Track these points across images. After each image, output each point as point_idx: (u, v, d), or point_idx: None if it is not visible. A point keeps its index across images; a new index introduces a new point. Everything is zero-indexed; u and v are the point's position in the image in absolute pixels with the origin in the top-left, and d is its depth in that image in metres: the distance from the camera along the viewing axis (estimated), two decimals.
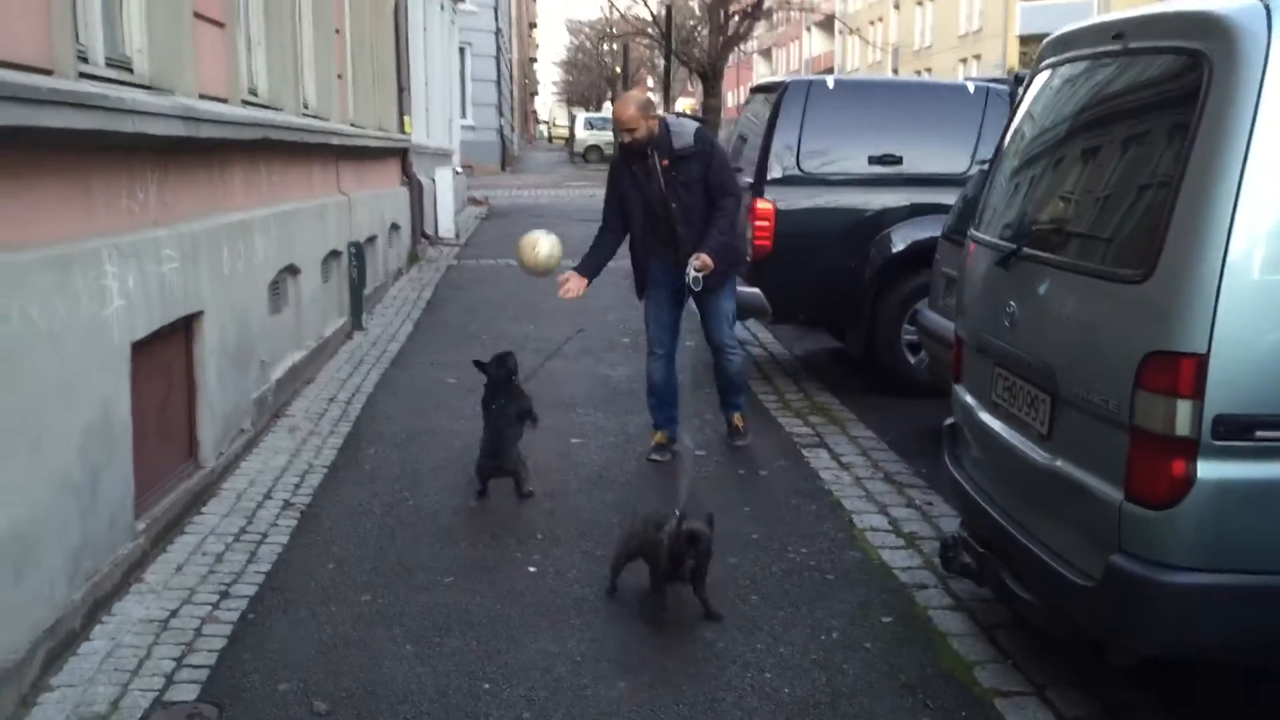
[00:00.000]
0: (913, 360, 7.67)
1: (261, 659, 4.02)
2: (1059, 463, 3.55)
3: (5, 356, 3.59)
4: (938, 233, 6.75)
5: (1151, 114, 3.44)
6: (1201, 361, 2.98)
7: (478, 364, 5.75)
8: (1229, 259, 2.97)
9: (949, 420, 4.62)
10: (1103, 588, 3.24)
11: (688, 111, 54.73)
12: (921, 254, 7.17)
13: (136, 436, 4.71)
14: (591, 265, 6.18)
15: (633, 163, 6.01)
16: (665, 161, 5.90)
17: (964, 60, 47.68)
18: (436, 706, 3.69)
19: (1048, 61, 4.19)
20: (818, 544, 5.06)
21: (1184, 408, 3.02)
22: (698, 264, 5.77)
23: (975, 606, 4.36)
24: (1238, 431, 3.00)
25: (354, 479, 6.01)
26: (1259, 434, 3.01)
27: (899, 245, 7.59)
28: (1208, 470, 3.03)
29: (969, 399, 4.35)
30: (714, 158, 5.99)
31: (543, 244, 5.88)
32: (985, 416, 4.15)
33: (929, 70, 49.67)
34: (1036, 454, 3.69)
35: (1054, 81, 4.11)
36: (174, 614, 4.33)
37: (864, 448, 6.51)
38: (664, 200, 5.94)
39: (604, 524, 5.25)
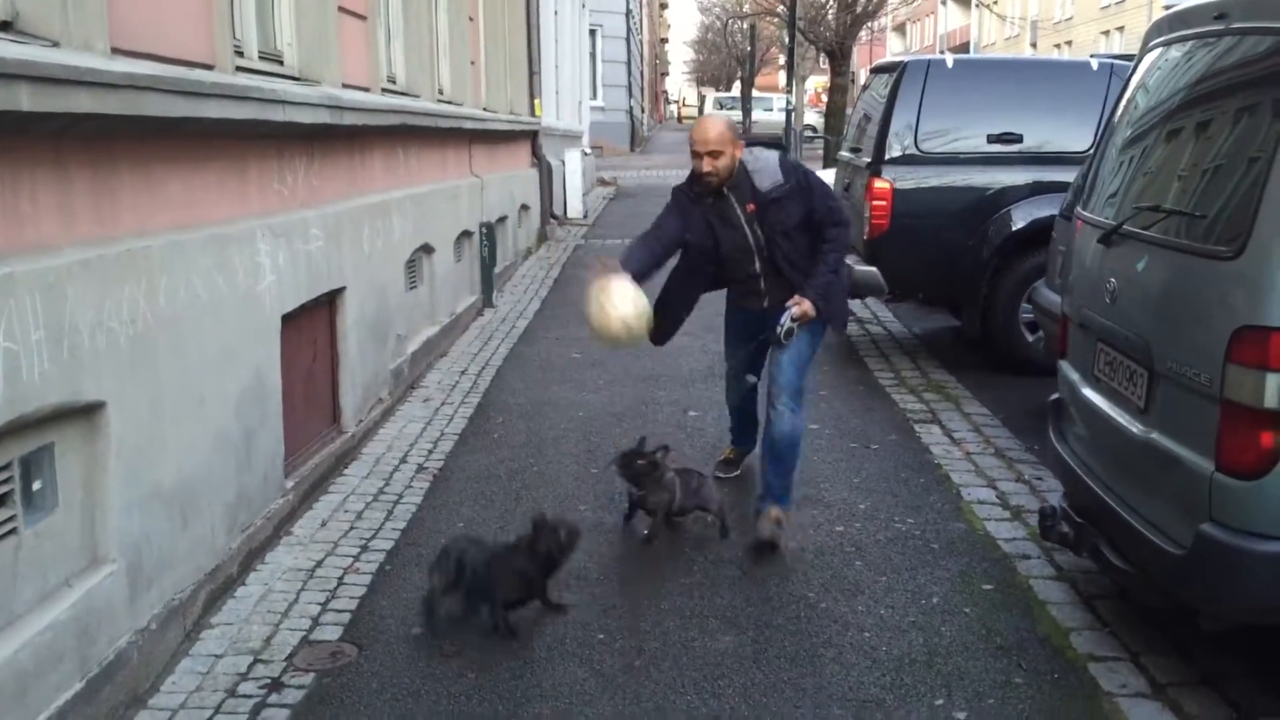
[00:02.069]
0: (1030, 339, 7.68)
1: (397, 606, 4.38)
2: (1154, 435, 3.65)
3: (174, 326, 4.00)
4: (1056, 211, 6.76)
5: (1249, 94, 3.49)
6: None
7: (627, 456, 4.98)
8: None
9: (1054, 395, 4.71)
10: (1193, 555, 3.34)
11: (817, 90, 54.13)
12: (1040, 233, 7.18)
13: (285, 401, 5.13)
14: (638, 262, 4.87)
15: (703, 204, 4.90)
16: (752, 206, 4.82)
17: (1105, 33, 46.13)
18: (554, 653, 3.97)
19: (1156, 41, 4.24)
20: (924, 515, 5.20)
21: (1273, 381, 3.10)
22: (796, 311, 4.76)
23: (1076, 577, 4.46)
24: None
25: (482, 446, 6.36)
26: None
27: (1018, 223, 7.61)
28: None
29: (1073, 374, 4.45)
30: (813, 190, 4.85)
31: (623, 303, 4.67)
32: (1087, 391, 4.24)
33: (1069, 44, 48.20)
34: (1134, 427, 3.79)
35: (1160, 61, 4.17)
36: (319, 564, 4.73)
37: (976, 424, 6.59)
38: (755, 251, 4.91)
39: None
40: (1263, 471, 3.14)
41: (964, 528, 5.05)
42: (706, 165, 4.73)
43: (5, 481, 3.08)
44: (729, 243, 4.92)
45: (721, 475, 5.62)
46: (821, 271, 4.83)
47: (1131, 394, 3.84)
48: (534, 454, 6.19)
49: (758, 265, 4.93)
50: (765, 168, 4.79)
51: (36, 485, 3.20)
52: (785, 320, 4.75)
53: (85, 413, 3.43)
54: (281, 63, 5.64)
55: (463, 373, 7.98)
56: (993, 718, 3.52)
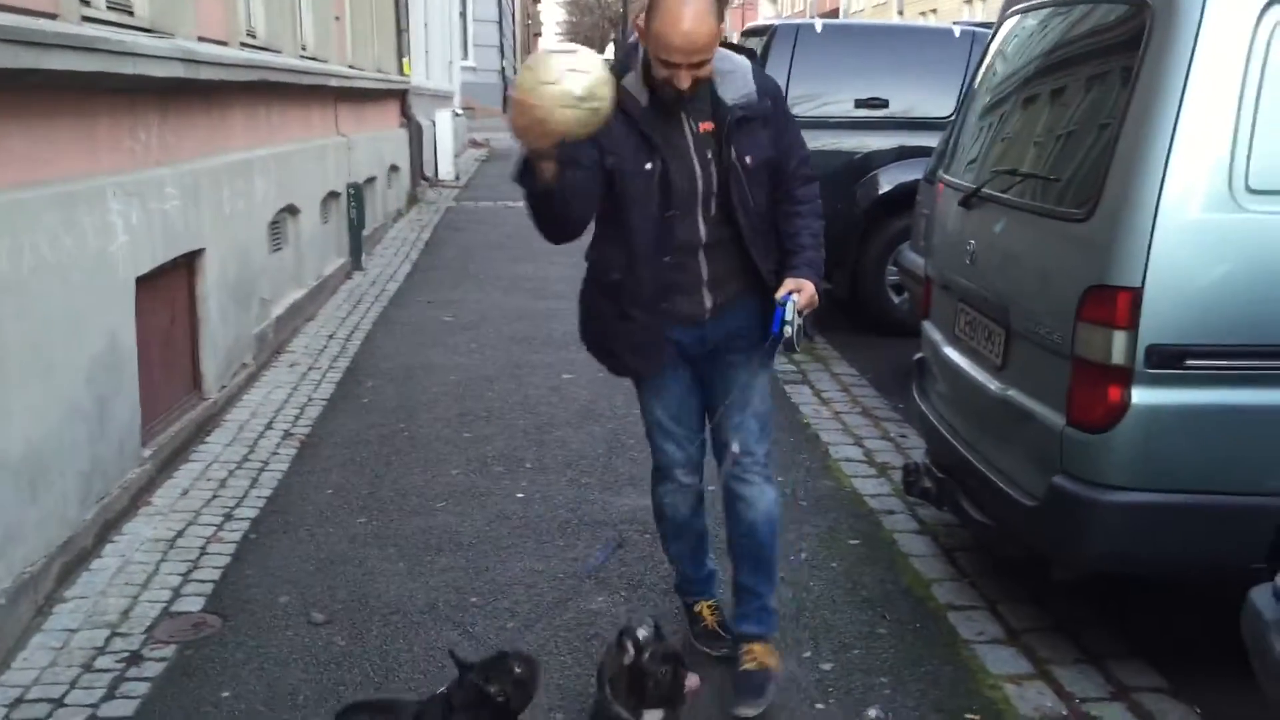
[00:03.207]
0: (896, 300, 7.87)
1: (263, 575, 4.28)
2: (1010, 392, 3.77)
3: (17, 289, 3.80)
4: (920, 175, 6.92)
5: (1099, 60, 3.61)
6: (1136, 295, 3.19)
7: (455, 658, 2.92)
8: (1164, 198, 3.16)
9: (918, 355, 4.83)
10: (1045, 507, 3.47)
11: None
12: (906, 196, 7.34)
13: (142, 368, 4.94)
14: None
15: (643, 118, 3.09)
16: (708, 125, 3.14)
17: (969, 1, 47.28)
18: (426, 617, 3.94)
19: (1014, 9, 4.35)
20: (793, 473, 5.29)
21: (1119, 338, 3.23)
22: (801, 299, 3.10)
23: (938, 530, 4.60)
24: (1169, 360, 3.21)
25: (352, 411, 6.24)
26: (1189, 362, 3.22)
27: (884, 187, 7.77)
28: (1141, 396, 3.24)
29: (935, 334, 4.57)
30: (789, 123, 3.33)
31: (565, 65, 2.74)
32: (948, 350, 4.36)
33: (934, 11, 49.25)
34: (991, 384, 3.91)
35: (1018, 29, 4.28)
36: (180, 534, 4.59)
37: (845, 384, 6.74)
38: (701, 199, 3.17)
39: (590, 455, 5.50)
40: (1110, 425, 3.28)
41: (832, 485, 5.16)
42: (685, 80, 2.98)
43: None
44: (680, 185, 3.13)
45: (711, 651, 3.63)
46: (808, 243, 3.25)
47: (989, 352, 3.96)
48: (405, 418, 6.11)
49: (702, 229, 3.19)
50: (735, 71, 3.16)
51: None
52: (788, 314, 3.06)
53: None
54: (132, 13, 5.39)
55: (331, 337, 7.81)
56: (857, 667, 3.61)
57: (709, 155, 3.15)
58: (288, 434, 5.83)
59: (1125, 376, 3.24)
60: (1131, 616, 3.84)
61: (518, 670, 2.84)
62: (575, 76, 2.70)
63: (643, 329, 3.28)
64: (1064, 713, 3.33)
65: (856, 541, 4.55)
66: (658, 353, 3.32)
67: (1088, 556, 3.46)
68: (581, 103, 2.70)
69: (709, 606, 3.73)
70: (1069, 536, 3.44)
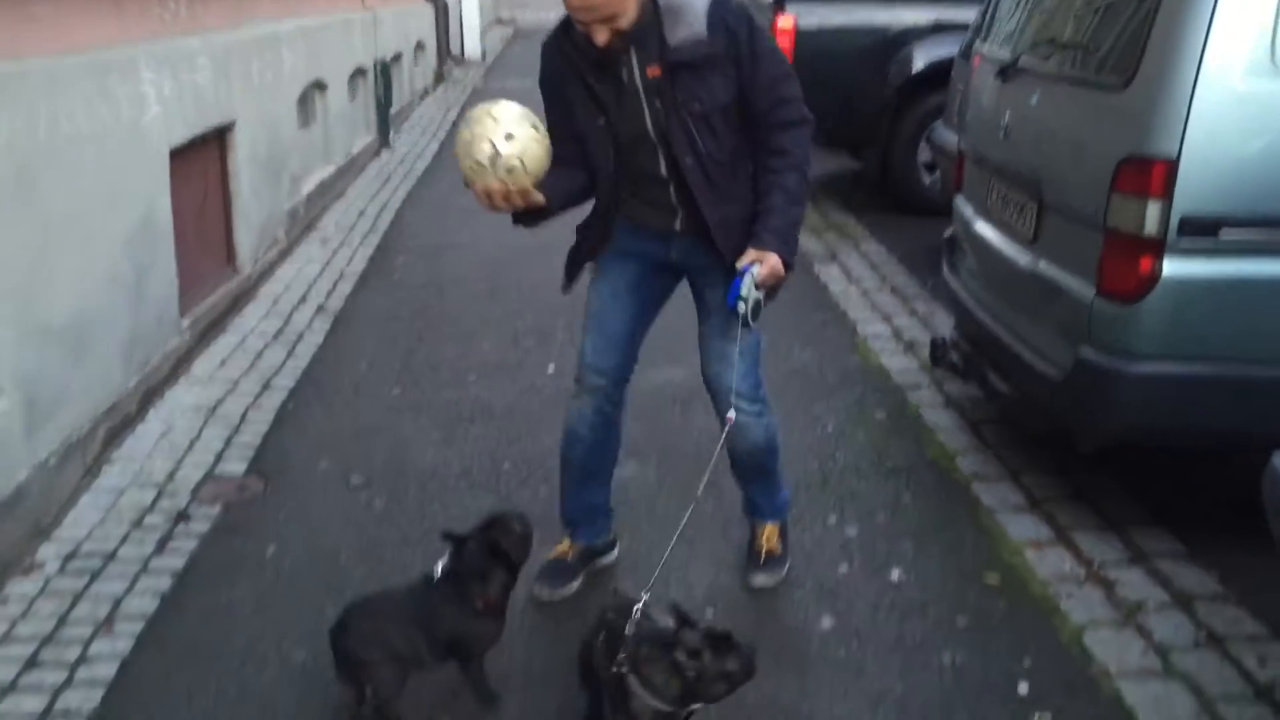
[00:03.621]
0: (928, 180, 7.80)
1: (302, 441, 4.39)
2: (1041, 265, 3.78)
3: (55, 158, 3.84)
4: (956, 51, 6.79)
5: None
6: (1171, 165, 3.17)
7: (447, 536, 2.85)
8: (1204, 67, 3.12)
9: (949, 231, 4.83)
10: (1072, 378, 3.51)
11: None
12: (940, 73, 7.21)
13: (178, 240, 5.00)
14: (549, 186, 2.94)
15: (589, 71, 2.97)
16: (655, 70, 2.93)
17: None
18: (462, 482, 4.05)
19: None
20: (821, 349, 5.34)
21: (1153, 208, 3.22)
22: (761, 271, 2.94)
23: (964, 404, 4.65)
24: (1202, 231, 3.21)
25: (383, 287, 6.32)
26: (1222, 233, 3.21)
27: (918, 64, 7.62)
28: (1172, 267, 3.24)
29: (967, 210, 4.55)
30: (758, 59, 2.95)
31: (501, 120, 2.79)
32: (980, 225, 4.36)
33: None
34: (1022, 258, 3.91)
35: None
36: (220, 402, 4.70)
37: (874, 263, 6.73)
38: (656, 144, 3.01)
39: None
40: (1141, 296, 3.29)
41: (859, 361, 5.21)
42: (601, 35, 2.84)
43: None
44: (626, 130, 3.01)
45: (544, 593, 3.37)
46: (778, 205, 2.98)
47: (1021, 226, 3.95)
48: (436, 294, 6.17)
49: (663, 168, 3.04)
50: (684, 8, 2.91)
51: None
52: (744, 288, 2.92)
53: None
54: None
55: (361, 214, 7.84)
56: (881, 533, 3.70)
57: (657, 103, 2.96)
58: (321, 308, 5.91)
59: (1158, 247, 3.24)
60: (1152, 485, 3.90)
61: (518, 528, 2.87)
62: (481, 146, 2.74)
63: (603, 224, 3.23)
64: (1082, 575, 3.41)
65: (882, 415, 4.61)
66: (608, 237, 3.24)
67: (1112, 427, 3.51)
68: (494, 168, 2.75)
69: (566, 545, 3.48)
70: (1094, 408, 3.48)
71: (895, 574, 3.46)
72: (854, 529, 3.73)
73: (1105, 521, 3.72)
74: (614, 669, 2.40)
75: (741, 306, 2.92)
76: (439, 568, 2.80)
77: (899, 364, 5.15)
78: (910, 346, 5.34)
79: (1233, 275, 3.26)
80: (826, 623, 3.23)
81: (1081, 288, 3.50)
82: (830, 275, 6.49)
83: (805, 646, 3.12)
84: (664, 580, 3.23)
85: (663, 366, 5.03)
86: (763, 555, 3.45)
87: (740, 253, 2.98)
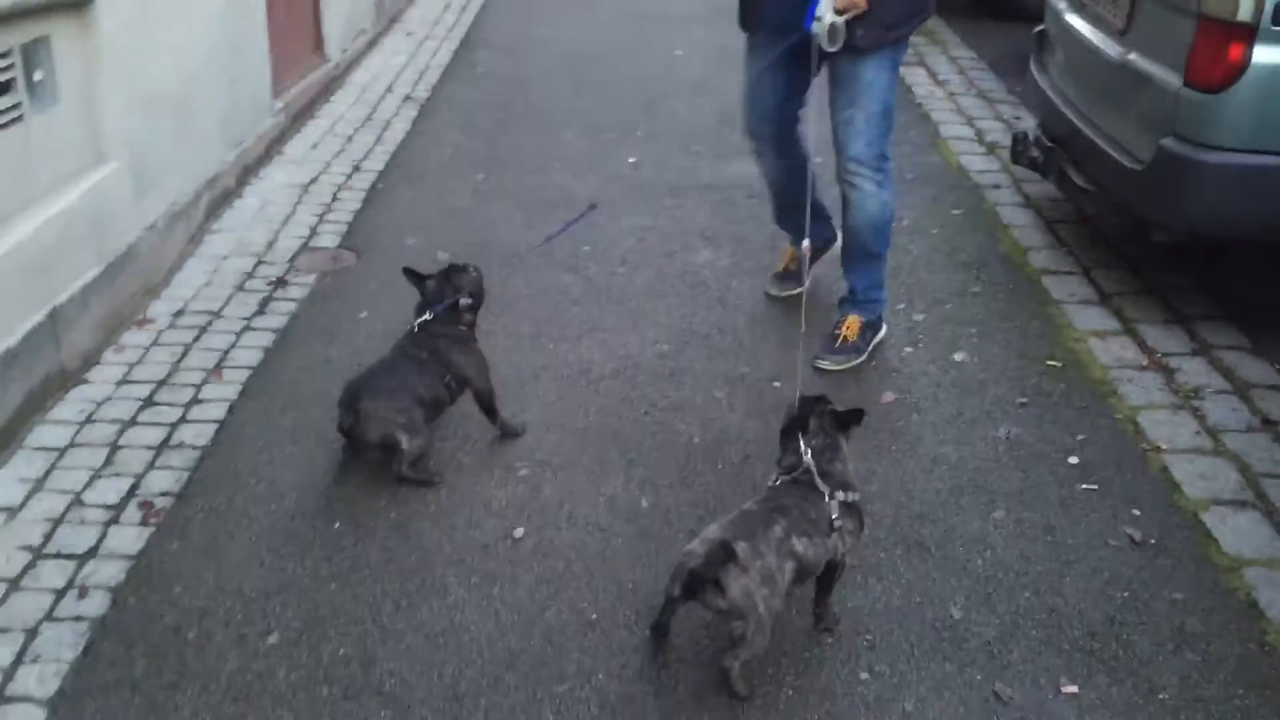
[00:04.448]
0: None
1: (391, 219, 4.57)
2: (1130, 56, 3.72)
3: None
4: None
5: None
6: None
7: (410, 274, 3.18)
8: None
9: (1039, 27, 4.73)
10: (1152, 169, 3.51)
11: None
12: None
13: (270, 24, 5.09)
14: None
15: None
16: None
17: None
18: (542, 261, 4.19)
19: None
20: (901, 149, 5.25)
21: None
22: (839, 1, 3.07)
23: (1042, 204, 4.66)
24: None
25: (468, 79, 6.37)
26: None
27: None
28: (1262, 55, 3.20)
29: (1060, 3, 4.45)
30: None
31: None
32: (1071, 18, 4.27)
33: None
34: (1112, 49, 3.86)
35: None
36: (313, 181, 4.88)
37: (962, 67, 6.60)
38: None
39: (700, 126, 5.59)
40: (1228, 84, 3.26)
41: (939, 161, 5.20)
42: None
43: (8, 69, 3.14)
44: None
45: (775, 292, 3.92)
46: None
47: (1114, 16, 3.88)
48: (520, 88, 6.22)
49: None
50: None
51: (38, 76, 3.27)
52: (820, 8, 3.04)
53: (76, 7, 3.44)
54: None
55: (445, 8, 7.83)
56: (949, 319, 3.80)
57: None
58: (408, 97, 6.00)
59: (1249, 34, 3.19)
60: (1223, 284, 3.92)
61: (474, 273, 3.17)
62: None
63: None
64: (1144, 363, 3.49)
65: (959, 212, 4.64)
66: (755, 10, 3.42)
67: (1190, 218, 3.52)
68: None
69: (790, 251, 3.95)
70: (1173, 198, 3.49)
71: (959, 356, 3.56)
72: (921, 315, 3.83)
73: (1173, 315, 3.78)
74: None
75: (816, 27, 3.02)
76: (416, 324, 3.06)
77: (979, 164, 5.13)
78: (992, 148, 5.31)
79: None
80: (889, 396, 3.37)
81: (1169, 77, 3.46)
82: (916, 78, 6.38)
83: (867, 419, 3.25)
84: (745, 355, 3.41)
85: (736, 161, 5.10)
86: (838, 341, 3.54)
87: None
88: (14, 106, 3.18)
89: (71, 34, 3.44)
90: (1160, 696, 2.29)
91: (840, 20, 3.04)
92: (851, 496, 2.40)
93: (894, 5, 3.14)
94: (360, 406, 2.88)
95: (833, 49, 3.10)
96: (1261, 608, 2.52)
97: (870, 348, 3.56)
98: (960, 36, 7.19)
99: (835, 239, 3.86)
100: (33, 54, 3.26)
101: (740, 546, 2.18)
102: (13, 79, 3.17)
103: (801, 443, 2.40)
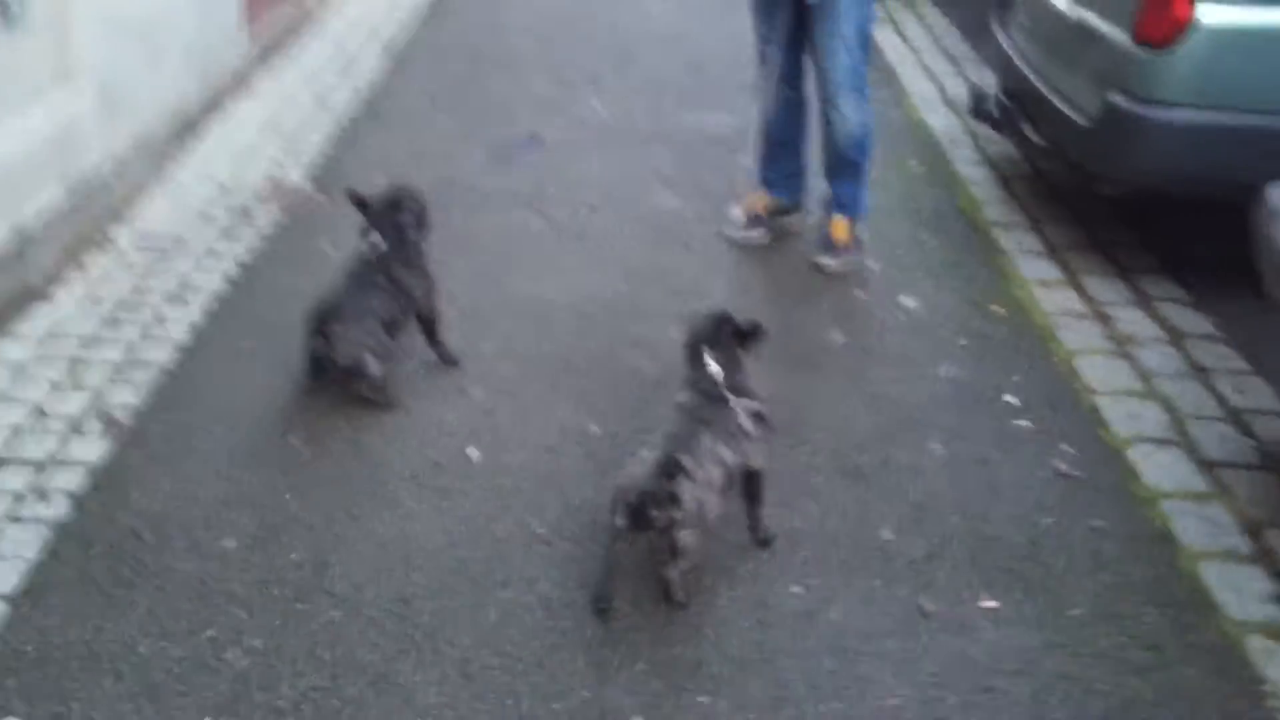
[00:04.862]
0: None
1: (359, 158, 4.62)
2: (1085, 15, 3.82)
3: None
4: None
5: None
6: None
7: (354, 197, 3.22)
8: None
9: None
10: (1099, 124, 3.61)
11: None
12: None
13: None
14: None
15: None
16: None
17: None
18: (508, 201, 4.26)
19: None
20: None
21: None
22: None
23: (999, 162, 4.76)
24: None
25: (442, 24, 6.45)
26: None
27: None
28: (1207, 13, 3.31)
29: None
30: None
31: None
32: None
33: None
34: (1068, 8, 3.95)
35: None
36: (282, 118, 4.91)
37: (932, 30, 6.69)
38: None
39: (668, 75, 5.66)
40: (1173, 41, 3.36)
41: (903, 116, 5.29)
42: None
43: None
44: None
45: (739, 238, 4.03)
46: None
47: None
48: (492, 35, 6.27)
49: None
50: None
51: None
52: None
53: None
54: None
55: None
56: (900, 265, 3.90)
57: None
58: (380, 41, 6.03)
59: None
60: (1166, 240, 4.03)
61: (416, 195, 3.23)
62: None
63: None
64: (1084, 311, 3.61)
65: (918, 166, 4.74)
66: None
67: (1134, 172, 3.63)
68: None
69: (758, 196, 4.09)
70: (1118, 153, 3.59)
71: (907, 301, 3.67)
72: (875, 262, 3.92)
73: (1116, 269, 3.89)
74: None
75: None
76: (368, 246, 3.11)
77: (942, 122, 5.23)
78: (955, 107, 5.40)
79: (1266, 24, 3.31)
80: (838, 337, 3.47)
81: (1118, 35, 3.57)
82: (886, 40, 6.46)
83: (816, 357, 3.37)
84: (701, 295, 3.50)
85: (704, 111, 5.19)
86: (834, 243, 3.86)
87: None
88: None
89: None
90: (1072, 612, 2.41)
91: None
92: (758, 405, 2.52)
93: None
94: (329, 330, 2.94)
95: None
96: (1175, 536, 2.64)
97: (861, 245, 3.88)
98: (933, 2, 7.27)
99: (800, 207, 4.13)
100: None
101: (685, 459, 2.28)
102: None
103: (707, 357, 2.50)
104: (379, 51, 5.86)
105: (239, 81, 5.09)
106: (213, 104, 4.80)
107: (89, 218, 3.73)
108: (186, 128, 4.54)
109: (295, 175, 4.42)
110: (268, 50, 5.49)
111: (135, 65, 4.06)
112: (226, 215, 4.04)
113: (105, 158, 3.85)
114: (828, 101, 3.73)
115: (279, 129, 4.80)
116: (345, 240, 3.85)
